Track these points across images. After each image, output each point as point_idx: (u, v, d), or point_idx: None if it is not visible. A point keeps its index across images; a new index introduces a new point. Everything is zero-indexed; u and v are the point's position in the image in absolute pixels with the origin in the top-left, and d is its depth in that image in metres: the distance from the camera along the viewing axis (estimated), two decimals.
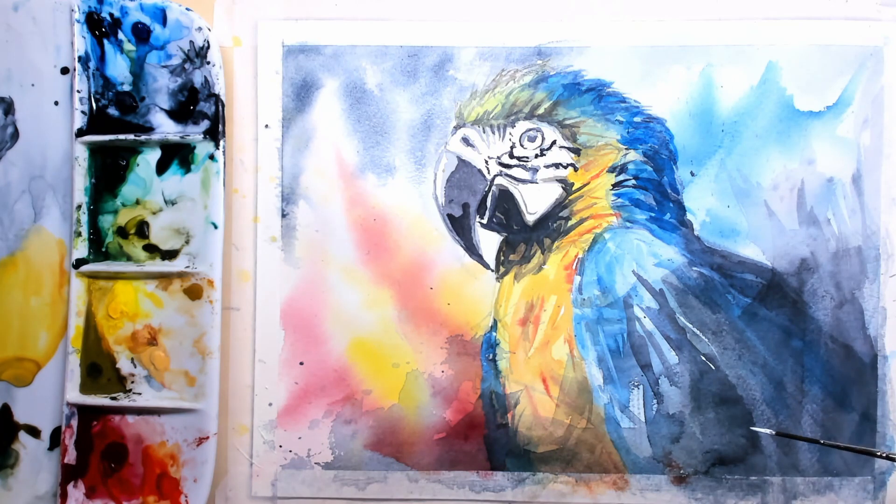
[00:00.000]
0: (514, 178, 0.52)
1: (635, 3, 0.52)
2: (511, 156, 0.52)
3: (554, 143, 0.52)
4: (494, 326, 0.52)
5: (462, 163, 0.52)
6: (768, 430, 0.49)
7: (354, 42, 0.52)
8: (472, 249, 0.52)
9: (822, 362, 0.51)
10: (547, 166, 0.52)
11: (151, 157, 0.51)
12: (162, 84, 0.51)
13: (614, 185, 0.51)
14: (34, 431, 0.51)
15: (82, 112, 0.50)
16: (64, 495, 0.50)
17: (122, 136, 0.50)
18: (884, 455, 0.45)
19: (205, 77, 0.50)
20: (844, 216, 0.51)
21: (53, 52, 0.51)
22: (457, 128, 0.52)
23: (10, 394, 0.52)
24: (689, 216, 0.51)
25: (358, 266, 0.52)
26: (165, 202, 0.51)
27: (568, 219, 0.52)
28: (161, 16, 0.50)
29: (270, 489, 0.52)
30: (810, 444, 0.51)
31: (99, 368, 0.51)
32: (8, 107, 0.51)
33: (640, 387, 0.51)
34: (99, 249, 0.51)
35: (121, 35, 0.51)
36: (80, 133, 0.50)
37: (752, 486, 0.51)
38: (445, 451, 0.52)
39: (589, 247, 0.51)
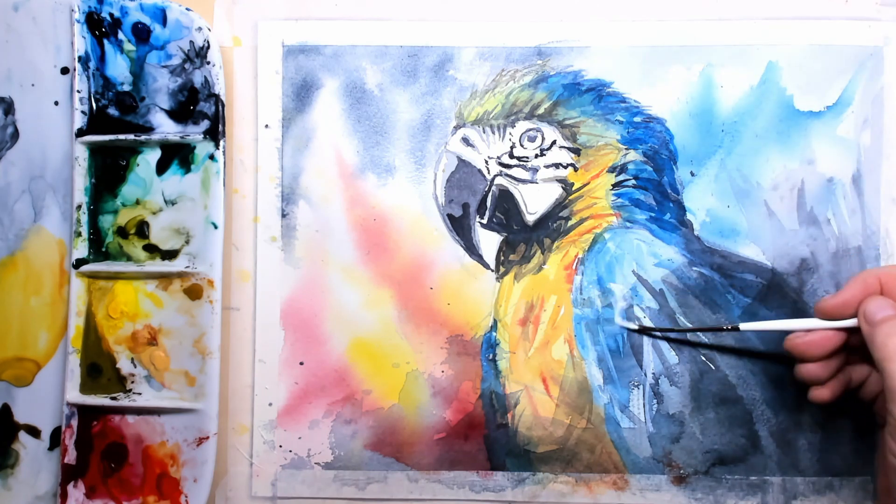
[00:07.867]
0: (514, 178, 0.52)
1: (635, 3, 0.52)
2: (511, 156, 0.52)
3: (554, 143, 0.51)
4: (494, 326, 0.52)
5: (462, 163, 0.52)
6: (633, 326, 0.51)
7: (354, 42, 0.52)
8: (472, 249, 0.52)
9: None
10: (547, 166, 0.52)
11: (151, 157, 0.51)
12: (162, 84, 0.51)
13: (614, 185, 0.51)
14: (34, 431, 0.51)
15: (82, 112, 0.50)
16: (64, 495, 0.50)
17: (122, 136, 0.50)
18: (729, 328, 0.48)
19: (205, 77, 0.50)
20: (844, 216, 0.51)
21: (53, 52, 0.51)
22: (457, 128, 0.52)
23: (10, 394, 0.52)
24: (689, 216, 0.51)
25: (358, 266, 0.52)
26: (165, 202, 0.51)
27: (568, 219, 0.51)
28: (161, 16, 0.50)
29: (270, 489, 0.52)
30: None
31: (99, 368, 0.51)
32: (8, 107, 0.51)
33: (641, 387, 0.51)
34: (99, 249, 0.51)
35: (121, 35, 0.51)
36: (80, 133, 0.50)
37: (752, 486, 0.51)
38: (445, 451, 0.52)
39: (589, 247, 0.51)
